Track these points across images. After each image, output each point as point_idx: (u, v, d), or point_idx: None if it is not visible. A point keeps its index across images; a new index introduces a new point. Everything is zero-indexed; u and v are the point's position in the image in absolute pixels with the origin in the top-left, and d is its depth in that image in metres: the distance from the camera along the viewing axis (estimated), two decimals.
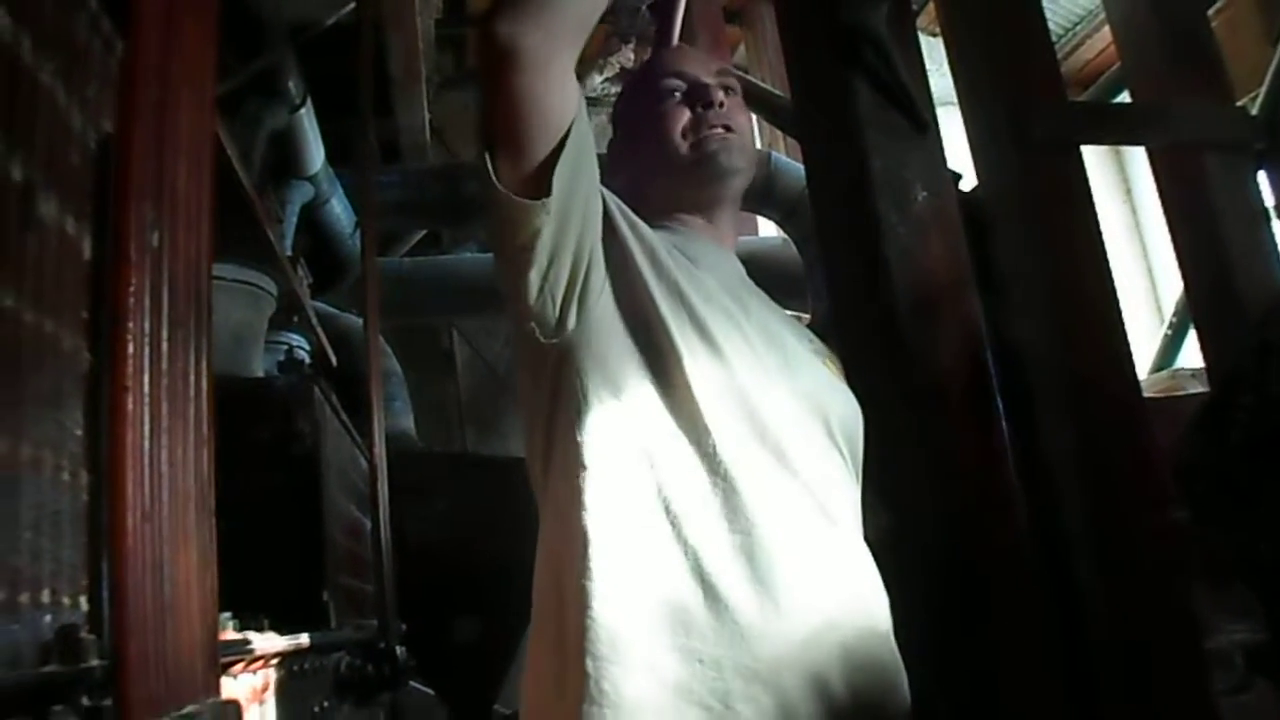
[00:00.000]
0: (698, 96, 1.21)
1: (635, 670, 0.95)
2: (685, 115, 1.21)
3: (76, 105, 0.78)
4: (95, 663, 0.67)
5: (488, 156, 1.02)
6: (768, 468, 1.04)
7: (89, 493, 0.76)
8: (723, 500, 1.01)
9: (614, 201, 1.13)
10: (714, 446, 1.03)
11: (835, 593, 1.03)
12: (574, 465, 1.03)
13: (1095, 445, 1.27)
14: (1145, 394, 1.45)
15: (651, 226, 1.17)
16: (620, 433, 1.04)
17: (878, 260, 1.25)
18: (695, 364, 1.05)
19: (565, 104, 1.01)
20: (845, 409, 1.17)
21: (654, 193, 1.25)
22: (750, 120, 1.29)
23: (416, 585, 2.61)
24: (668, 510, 1.01)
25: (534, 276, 1.03)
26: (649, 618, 0.97)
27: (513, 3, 0.98)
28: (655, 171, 1.24)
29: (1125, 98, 1.93)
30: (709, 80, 1.23)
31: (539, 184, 1.00)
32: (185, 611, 0.65)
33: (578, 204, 1.03)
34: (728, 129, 1.20)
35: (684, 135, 1.20)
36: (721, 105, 1.21)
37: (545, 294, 1.04)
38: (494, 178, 1.01)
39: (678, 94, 1.22)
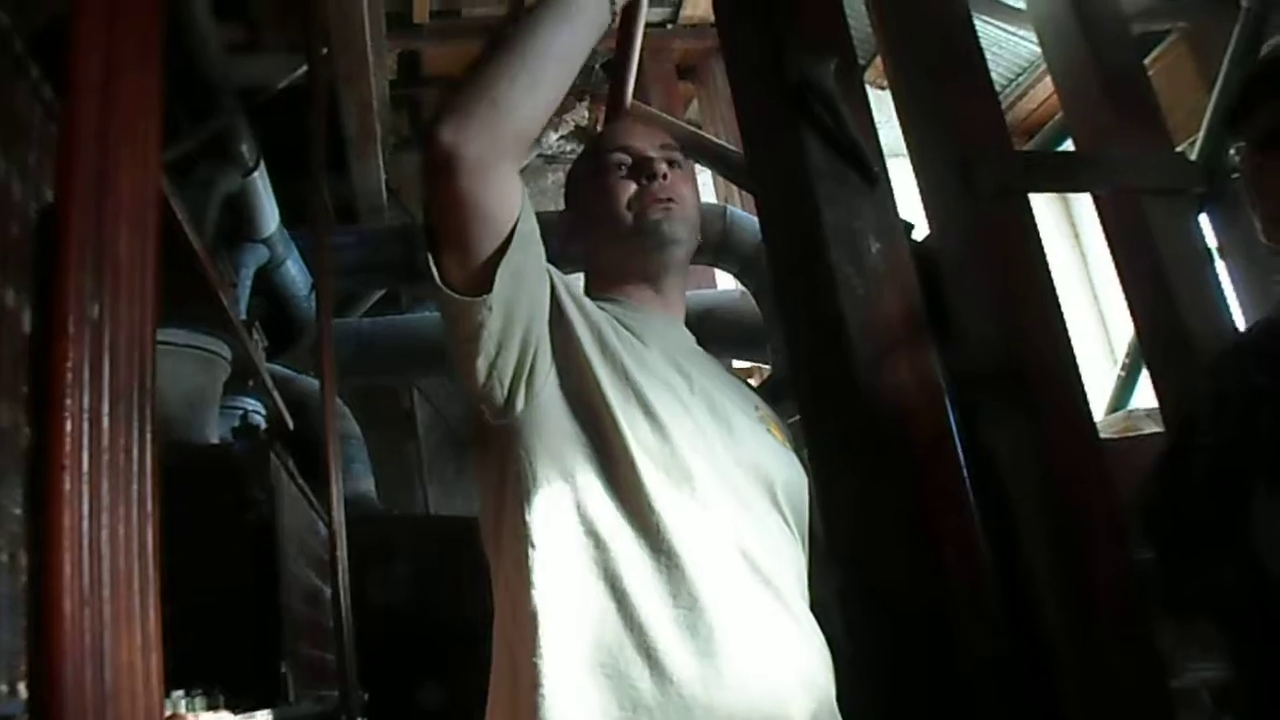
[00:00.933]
0: (642, 170, 1.26)
1: None
2: (630, 188, 1.25)
3: (16, 175, 0.77)
4: None
5: (430, 253, 1.04)
6: (710, 541, 1.06)
7: (29, 575, 0.73)
8: (667, 576, 1.03)
9: (562, 284, 1.15)
10: (658, 524, 1.05)
11: (779, 663, 1.05)
12: (522, 543, 1.05)
13: (1055, 487, 1.27)
14: (1102, 435, 1.46)
15: (601, 298, 1.22)
16: (566, 512, 1.06)
17: (833, 312, 1.25)
18: (639, 443, 1.07)
19: (508, 207, 1.04)
20: (789, 474, 1.20)
21: (604, 262, 1.30)
22: (695, 191, 1.33)
23: (379, 651, 2.55)
24: (614, 588, 1.03)
25: (481, 363, 1.05)
26: (597, 694, 0.99)
27: (459, 111, 1.00)
28: (604, 242, 1.28)
29: (1069, 145, 1.98)
30: (653, 154, 1.27)
31: (483, 280, 1.02)
32: (128, 697, 0.62)
33: (523, 297, 1.06)
34: (670, 201, 1.24)
35: (629, 207, 1.25)
36: (665, 177, 1.25)
37: (493, 379, 1.06)
38: (437, 274, 1.04)
39: (623, 168, 1.27)
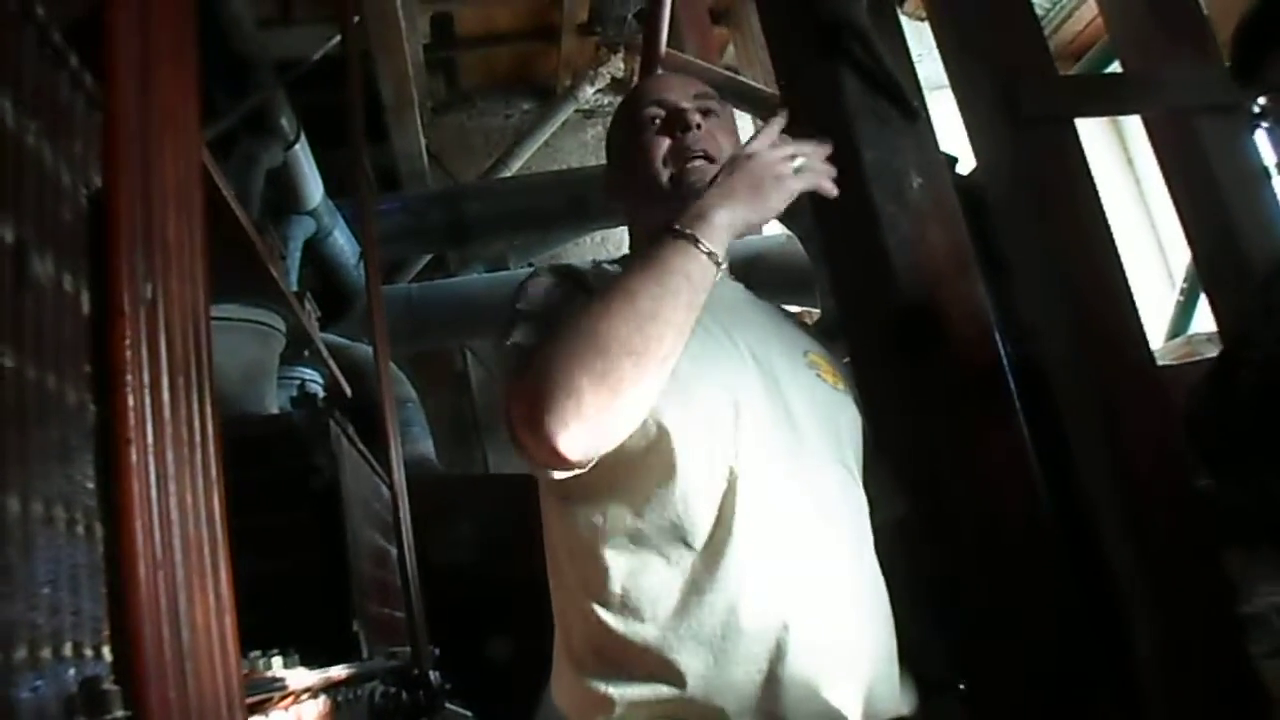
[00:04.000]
0: (675, 122, 1.22)
1: None
2: (665, 143, 1.22)
3: (64, 163, 0.79)
4: (120, 713, 0.67)
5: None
6: (757, 500, 1.07)
7: (105, 543, 0.76)
8: (703, 571, 1.05)
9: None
10: (680, 517, 1.06)
11: (846, 628, 1.07)
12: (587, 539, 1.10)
13: (1113, 417, 1.26)
14: (1161, 362, 1.44)
15: None
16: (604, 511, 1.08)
17: (878, 252, 1.24)
18: (682, 410, 1.07)
19: None
20: (842, 418, 1.19)
21: (644, 221, 1.27)
22: (734, 139, 1.29)
23: (447, 608, 2.61)
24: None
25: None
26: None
27: (569, 417, 0.95)
28: (642, 201, 1.26)
29: (1116, 68, 1.92)
30: (686, 105, 1.23)
31: None
32: (206, 656, 0.65)
33: None
34: (707, 157, 1.20)
35: (664, 164, 1.22)
36: (699, 128, 1.21)
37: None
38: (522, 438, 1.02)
39: (657, 122, 1.23)
